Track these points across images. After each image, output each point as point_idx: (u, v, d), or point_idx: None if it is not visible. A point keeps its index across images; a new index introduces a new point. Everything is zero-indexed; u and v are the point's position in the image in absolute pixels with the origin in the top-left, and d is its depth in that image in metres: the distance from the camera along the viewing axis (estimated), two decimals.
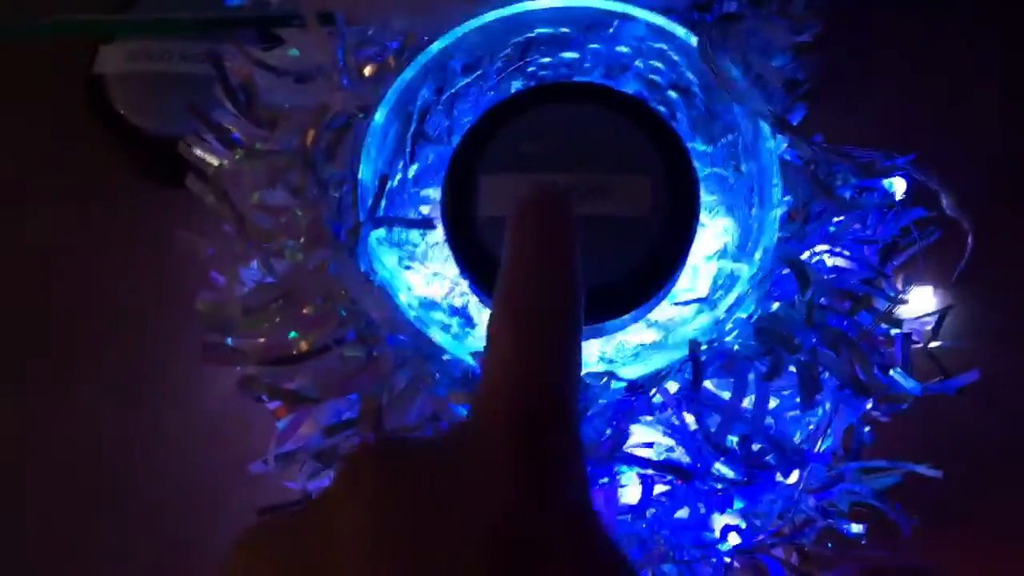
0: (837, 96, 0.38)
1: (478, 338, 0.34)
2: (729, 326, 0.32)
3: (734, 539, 0.34)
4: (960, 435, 0.44)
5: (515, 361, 0.21)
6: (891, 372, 0.33)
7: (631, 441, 0.32)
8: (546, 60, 0.36)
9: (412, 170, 0.35)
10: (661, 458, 0.32)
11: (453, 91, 0.35)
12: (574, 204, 0.24)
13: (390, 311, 0.31)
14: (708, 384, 0.32)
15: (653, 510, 0.32)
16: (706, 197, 0.34)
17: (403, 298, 0.33)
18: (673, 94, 0.36)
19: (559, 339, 0.22)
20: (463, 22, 0.35)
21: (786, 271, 0.33)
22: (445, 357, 0.32)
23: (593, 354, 0.33)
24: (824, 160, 0.34)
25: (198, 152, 0.36)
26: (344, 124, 0.34)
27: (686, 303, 0.33)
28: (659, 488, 0.32)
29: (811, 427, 0.34)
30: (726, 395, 0.32)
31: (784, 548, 0.35)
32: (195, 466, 0.43)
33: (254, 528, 0.20)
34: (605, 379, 0.30)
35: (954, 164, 0.36)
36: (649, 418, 0.32)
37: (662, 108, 0.36)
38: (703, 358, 0.31)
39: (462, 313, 0.35)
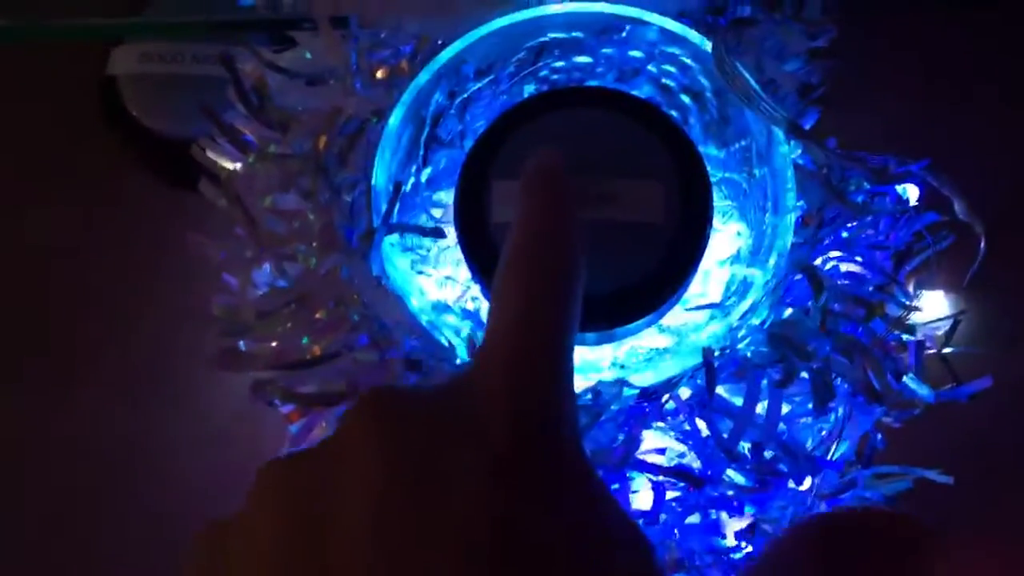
0: (845, 99, 0.37)
1: None
2: (742, 332, 0.32)
3: (745, 545, 0.34)
4: (973, 441, 0.44)
5: (516, 312, 0.22)
6: (904, 379, 0.33)
7: (643, 447, 0.32)
8: (559, 64, 0.36)
9: (425, 174, 0.35)
10: (672, 464, 0.32)
11: (466, 95, 0.35)
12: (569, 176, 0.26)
13: (403, 315, 0.31)
14: (720, 390, 0.32)
15: (665, 516, 0.32)
16: (719, 202, 0.34)
17: (415, 302, 0.33)
18: (686, 99, 0.36)
19: (558, 292, 0.23)
20: (477, 26, 0.35)
21: (799, 277, 0.33)
22: (457, 361, 0.32)
23: (606, 359, 0.33)
24: (837, 165, 0.34)
25: (210, 154, 0.36)
26: (357, 128, 0.34)
27: (699, 308, 0.33)
28: (670, 494, 0.32)
29: (823, 433, 0.34)
30: (738, 401, 0.32)
31: None
32: (202, 468, 0.43)
33: (275, 460, 0.21)
34: (618, 387, 0.30)
35: (965, 168, 0.36)
36: (661, 424, 0.32)
37: (674, 113, 0.36)
38: (716, 364, 0.30)
39: (474, 317, 0.35)
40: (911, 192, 0.35)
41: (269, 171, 0.34)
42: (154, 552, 0.43)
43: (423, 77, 0.34)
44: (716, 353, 0.31)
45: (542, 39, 0.35)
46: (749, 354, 0.31)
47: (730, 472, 0.32)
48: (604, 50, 0.36)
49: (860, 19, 0.48)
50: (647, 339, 0.34)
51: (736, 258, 0.34)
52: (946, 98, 0.51)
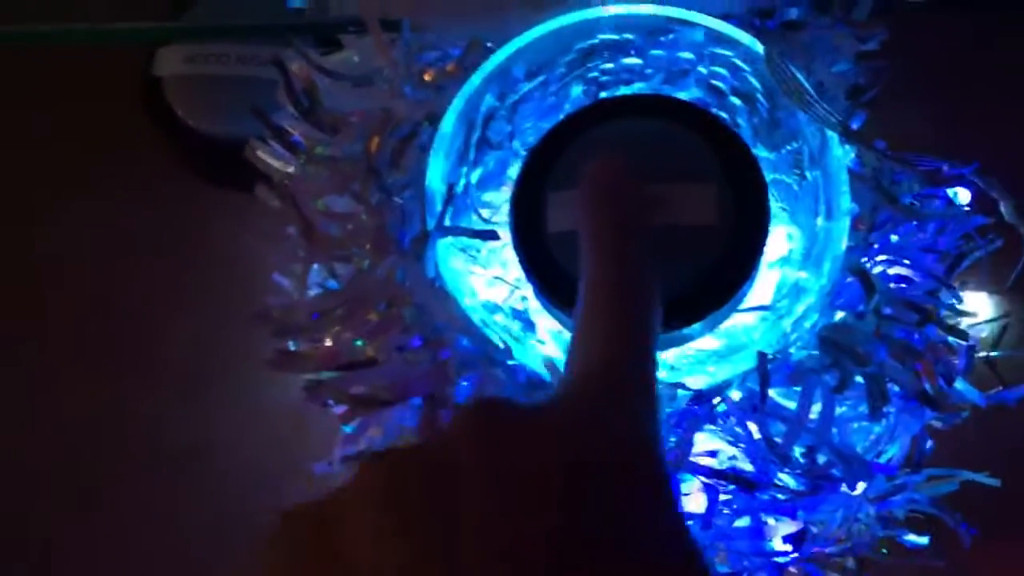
0: (889, 100, 0.37)
1: (538, 340, 0.34)
2: (793, 336, 0.32)
3: (794, 549, 0.34)
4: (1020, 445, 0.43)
5: (608, 341, 0.23)
6: (955, 383, 0.33)
7: (694, 449, 0.32)
8: (608, 66, 0.36)
9: (475, 175, 0.35)
10: (724, 467, 0.32)
11: (516, 97, 0.35)
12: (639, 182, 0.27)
13: (457, 316, 0.32)
14: (771, 393, 0.32)
15: (720, 521, 0.32)
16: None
17: (468, 302, 0.33)
18: (736, 100, 0.36)
19: (644, 316, 0.24)
20: (526, 28, 0.35)
21: (849, 280, 0.33)
22: (509, 362, 0.32)
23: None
24: (888, 168, 0.34)
25: (260, 155, 0.37)
26: (409, 131, 0.34)
27: (749, 310, 0.33)
28: (721, 497, 0.33)
29: (872, 437, 0.34)
30: (789, 404, 0.32)
31: (843, 557, 0.35)
32: (252, 467, 0.44)
33: (377, 454, 0.21)
34: (672, 390, 0.30)
35: (1010, 169, 0.36)
36: (712, 427, 0.32)
37: (724, 114, 0.36)
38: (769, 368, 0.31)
39: (522, 317, 0.35)
40: (962, 195, 0.35)
41: (321, 173, 0.34)
42: (202, 548, 0.44)
43: (475, 80, 0.34)
44: (769, 357, 0.31)
45: (592, 41, 0.36)
46: (803, 359, 0.31)
47: (782, 476, 0.32)
48: (653, 52, 0.36)
49: (904, 19, 0.48)
50: (697, 341, 0.34)
51: (786, 261, 0.34)
52: (987, 99, 0.51)
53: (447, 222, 0.33)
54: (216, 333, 0.45)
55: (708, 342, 0.34)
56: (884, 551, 0.36)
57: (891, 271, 0.34)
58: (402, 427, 0.33)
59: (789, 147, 0.35)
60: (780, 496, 0.32)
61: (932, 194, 0.35)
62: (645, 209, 0.27)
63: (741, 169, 0.31)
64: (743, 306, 0.33)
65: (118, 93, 0.47)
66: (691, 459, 0.31)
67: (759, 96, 0.35)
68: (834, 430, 0.32)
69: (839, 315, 0.33)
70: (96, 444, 0.45)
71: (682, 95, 0.36)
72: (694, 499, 0.32)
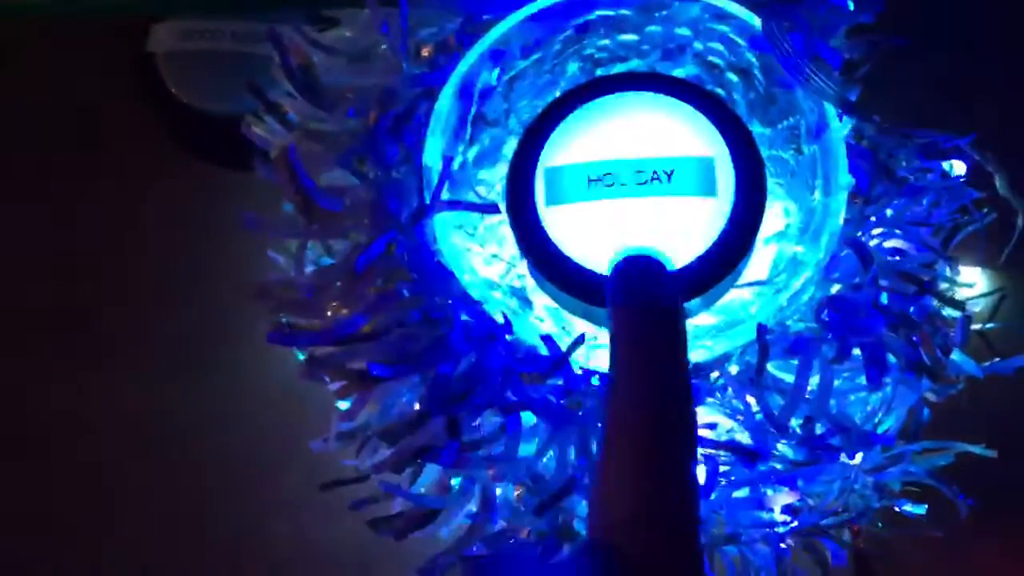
0: (883, 72, 0.37)
1: (535, 318, 0.34)
2: (791, 309, 0.32)
3: (791, 519, 0.34)
4: (1013, 418, 0.44)
5: (636, 492, 0.21)
6: (952, 354, 0.33)
7: None
8: (604, 42, 0.36)
9: (472, 153, 0.35)
10: (723, 439, 0.32)
11: (513, 74, 0.35)
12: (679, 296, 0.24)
13: (457, 291, 0.32)
14: (769, 366, 0.32)
15: (716, 494, 0.32)
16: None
17: (467, 278, 0.33)
18: (732, 76, 0.36)
19: (679, 463, 0.22)
20: (524, 4, 0.35)
21: (845, 252, 0.33)
22: (508, 337, 0.32)
23: None
24: (885, 141, 0.34)
25: (255, 131, 0.36)
26: (407, 106, 0.34)
27: (747, 285, 0.34)
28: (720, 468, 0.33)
29: (868, 408, 0.34)
30: (786, 376, 0.32)
31: (840, 528, 0.35)
32: (250, 443, 0.44)
33: None
34: None
35: (1006, 143, 0.36)
36: (711, 399, 0.32)
37: (719, 90, 0.36)
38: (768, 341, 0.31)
39: (519, 294, 0.35)
40: (957, 167, 0.35)
41: (317, 148, 0.34)
42: (196, 526, 0.44)
43: (472, 56, 0.34)
44: (769, 330, 0.31)
45: (588, 16, 0.35)
46: (802, 329, 0.31)
47: (780, 447, 0.32)
48: (649, 28, 0.36)
49: None
50: (695, 317, 0.34)
51: (783, 235, 0.34)
52: (981, 74, 0.51)
53: (445, 198, 0.33)
54: (211, 310, 0.45)
55: (706, 317, 0.34)
56: (879, 524, 0.36)
57: (887, 244, 0.34)
58: (399, 403, 0.33)
59: (786, 122, 0.35)
60: (778, 466, 0.32)
61: (927, 167, 0.35)
62: (630, 178, 0.25)
63: (737, 145, 0.31)
64: (741, 281, 0.34)
65: (111, 69, 0.47)
66: None
67: (755, 71, 0.35)
68: (832, 401, 0.32)
69: (835, 287, 0.33)
70: (93, 426, 0.45)
71: (678, 72, 0.36)
72: None
